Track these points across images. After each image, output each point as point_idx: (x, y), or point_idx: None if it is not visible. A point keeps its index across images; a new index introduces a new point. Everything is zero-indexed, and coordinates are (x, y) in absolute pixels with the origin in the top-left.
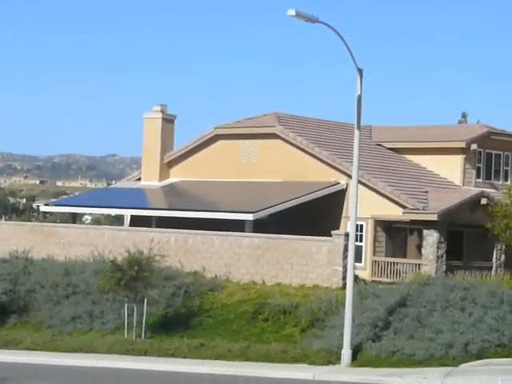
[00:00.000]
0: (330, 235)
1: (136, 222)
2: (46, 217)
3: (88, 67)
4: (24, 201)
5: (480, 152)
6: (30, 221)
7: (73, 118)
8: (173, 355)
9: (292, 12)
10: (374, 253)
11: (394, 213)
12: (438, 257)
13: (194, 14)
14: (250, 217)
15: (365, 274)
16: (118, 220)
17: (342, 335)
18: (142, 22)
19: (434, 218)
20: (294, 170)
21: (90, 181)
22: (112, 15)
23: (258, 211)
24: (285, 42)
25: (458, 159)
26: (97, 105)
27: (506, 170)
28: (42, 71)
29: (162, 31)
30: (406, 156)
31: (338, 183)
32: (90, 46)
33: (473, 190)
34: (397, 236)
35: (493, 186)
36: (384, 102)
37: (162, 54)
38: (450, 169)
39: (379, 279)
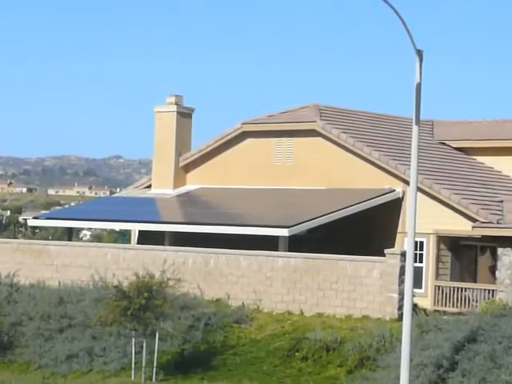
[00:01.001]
0: (383, 255)
1: (146, 238)
2: (36, 232)
3: (86, 54)
4: (8, 213)
5: None
6: (16, 237)
7: (68, 113)
8: None
9: None
10: (437, 276)
11: (461, 227)
12: None
13: None
14: (284, 232)
15: (426, 303)
16: (123, 236)
17: (397, 378)
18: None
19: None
20: (338, 175)
21: (89, 188)
22: None
23: (294, 225)
24: (323, 22)
25: None
26: (97, 98)
27: None
28: (30, 62)
29: (174, 10)
30: (476, 157)
31: (393, 191)
32: (86, 31)
33: None
34: (465, 256)
35: None
36: (449, 93)
37: (176, 38)
38: None
39: (443, 309)
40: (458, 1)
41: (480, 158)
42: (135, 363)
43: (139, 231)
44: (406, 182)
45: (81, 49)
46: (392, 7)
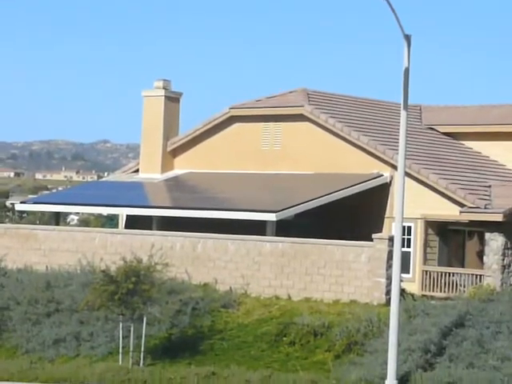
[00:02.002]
0: (371, 239)
1: (133, 223)
2: (23, 217)
3: (73, 38)
4: None
5: None
6: (3, 222)
7: (55, 96)
8: None
9: None
10: (425, 261)
11: (449, 212)
12: (503, 266)
13: None
14: (272, 217)
15: (413, 288)
16: (111, 221)
17: (385, 362)
18: None
19: (499, 218)
20: (325, 160)
21: (77, 173)
22: None
23: (281, 210)
24: (310, 7)
25: None
26: (85, 81)
27: None
28: (17, 45)
29: None
30: (463, 142)
31: (381, 176)
32: (73, 15)
33: None
34: (453, 240)
35: None
36: (437, 78)
37: (164, 22)
38: None
39: (431, 293)
40: None
41: (468, 143)
42: (123, 348)
43: (127, 216)
44: (394, 167)
45: (68, 33)
46: None
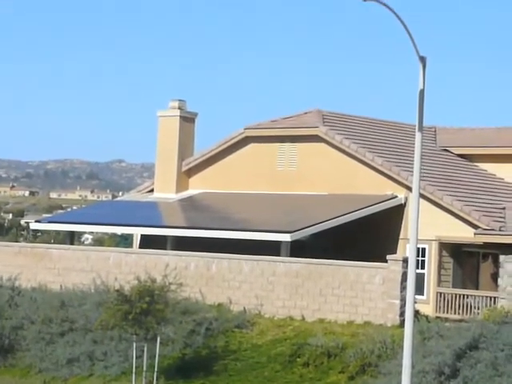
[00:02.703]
0: (385, 261)
1: (148, 242)
2: (38, 236)
3: (89, 57)
4: (10, 216)
5: None
6: (18, 241)
7: (70, 116)
8: None
9: None
10: (439, 283)
11: (463, 234)
12: None
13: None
14: (286, 237)
15: (427, 309)
16: (125, 240)
17: None
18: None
19: None
20: (340, 181)
21: (92, 192)
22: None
23: (296, 231)
24: (326, 29)
25: None
26: (100, 101)
27: None
28: (33, 65)
29: (177, 16)
30: (478, 164)
31: (395, 197)
32: (89, 34)
33: None
34: (467, 262)
35: None
36: (452, 99)
37: (179, 42)
38: None
39: (445, 315)
40: (461, 7)
41: (482, 165)
42: (136, 367)
43: (141, 235)
44: (409, 188)
45: (84, 52)
46: (396, 14)
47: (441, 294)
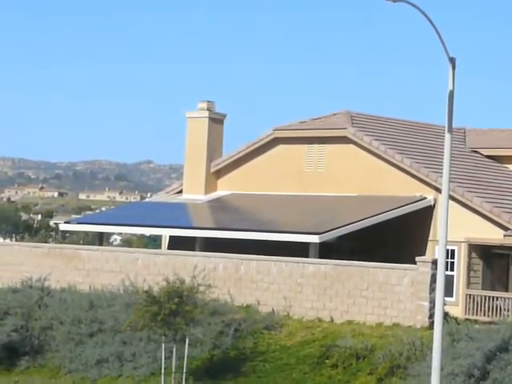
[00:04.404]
0: (414, 262)
1: (176, 244)
2: (66, 237)
3: (117, 59)
4: (39, 217)
5: None
6: (47, 242)
7: (99, 117)
8: None
9: None
10: (469, 285)
11: (493, 236)
12: None
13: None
14: (315, 239)
15: (457, 311)
16: (154, 242)
17: None
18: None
19: None
20: (369, 182)
21: (120, 193)
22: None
23: (325, 232)
24: (355, 31)
25: None
26: (129, 103)
27: None
28: (62, 66)
29: (208, 18)
30: (508, 166)
31: (424, 198)
32: (120, 36)
33: None
34: (497, 264)
35: None
36: (481, 101)
37: (209, 44)
38: None
39: (474, 317)
40: (491, 8)
41: None
42: (165, 368)
43: (170, 236)
44: (438, 190)
45: (113, 54)
46: (425, 15)
47: (470, 295)
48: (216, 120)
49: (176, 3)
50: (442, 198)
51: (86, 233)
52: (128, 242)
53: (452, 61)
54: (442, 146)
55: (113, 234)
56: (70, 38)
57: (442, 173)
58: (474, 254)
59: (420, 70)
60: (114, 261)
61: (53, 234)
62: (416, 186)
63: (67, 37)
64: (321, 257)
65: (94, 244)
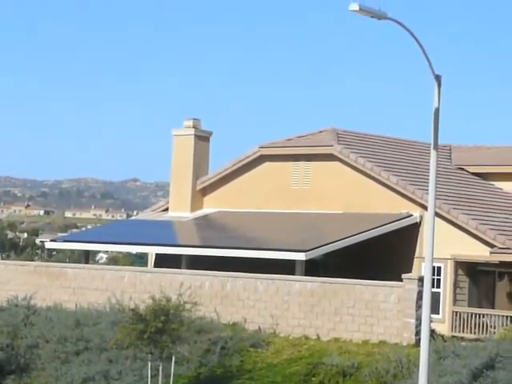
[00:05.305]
0: (401, 280)
1: (162, 261)
2: (53, 255)
3: (103, 77)
4: (25, 235)
5: None
6: (33, 260)
7: (85, 135)
8: None
9: (355, 6)
10: (455, 302)
11: (479, 253)
12: None
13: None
14: (301, 256)
15: (443, 328)
16: (140, 259)
17: None
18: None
19: None
20: (355, 199)
21: (106, 211)
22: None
23: (311, 249)
24: (341, 47)
25: None
26: (115, 121)
27: None
28: (48, 81)
29: (193, 35)
30: (494, 183)
31: (411, 215)
32: (105, 52)
33: None
34: (483, 281)
35: None
36: (467, 118)
37: (194, 62)
38: None
39: (461, 335)
40: (477, 25)
41: (498, 184)
42: None
43: (156, 254)
44: (424, 207)
45: (98, 71)
46: (411, 33)
47: (456, 313)
48: (202, 138)
49: (162, 21)
50: (428, 215)
51: (72, 251)
52: (114, 259)
53: (437, 78)
54: (428, 163)
55: (99, 252)
56: (57, 53)
57: (428, 190)
58: (460, 271)
59: (405, 87)
60: (100, 279)
61: (39, 252)
62: (402, 203)
63: (52, 55)
64: (307, 274)
65: (80, 262)
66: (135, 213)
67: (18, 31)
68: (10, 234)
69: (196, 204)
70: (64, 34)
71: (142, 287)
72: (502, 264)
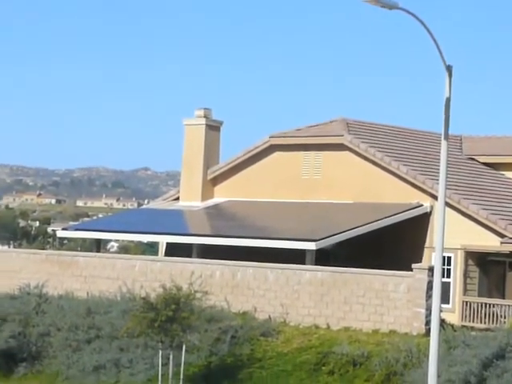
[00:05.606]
0: (411, 269)
1: (173, 250)
2: (64, 243)
3: (115, 66)
4: (37, 224)
5: None
6: (45, 248)
7: (96, 124)
8: None
9: None
10: (465, 292)
11: (489, 243)
12: None
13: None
14: (311, 246)
15: (453, 318)
16: (151, 248)
17: None
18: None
19: None
20: (365, 189)
21: (117, 200)
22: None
23: (321, 239)
24: (351, 37)
25: None
26: (126, 110)
27: None
28: (58, 74)
29: (204, 26)
30: (504, 173)
31: (421, 205)
32: (115, 43)
33: None
34: (493, 271)
35: None
36: (477, 108)
37: (207, 51)
38: None
39: (471, 324)
40: (488, 16)
41: (509, 174)
42: (162, 375)
43: (167, 243)
44: (434, 197)
45: (110, 61)
46: (422, 23)
47: (467, 302)
48: (213, 127)
49: (173, 10)
50: (439, 205)
51: (84, 239)
52: (125, 248)
53: (449, 69)
54: (439, 153)
55: (110, 240)
56: (67, 46)
57: (438, 180)
58: (470, 261)
59: (416, 76)
60: (111, 267)
61: (50, 240)
62: (412, 193)
63: (64, 43)
64: (317, 263)
65: (91, 251)
66: (146, 202)
67: (23, 21)
68: (22, 223)
69: (207, 193)
70: (76, 23)
71: (152, 276)
72: None
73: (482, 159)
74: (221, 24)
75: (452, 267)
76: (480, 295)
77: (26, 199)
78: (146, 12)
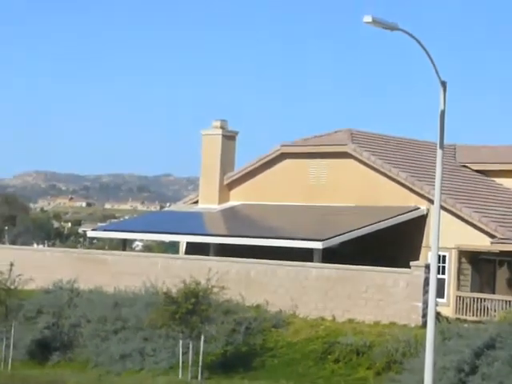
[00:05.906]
0: (409, 267)
1: (192, 249)
2: (93, 243)
3: (141, 79)
4: (69, 225)
5: None
6: (76, 247)
7: (123, 133)
8: None
9: (368, 18)
10: (459, 287)
11: (481, 243)
12: None
13: (261, 21)
14: (318, 245)
15: (448, 311)
16: (172, 247)
17: (422, 380)
18: (204, 30)
19: None
20: (367, 194)
21: (142, 203)
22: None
23: (327, 239)
24: (358, 55)
25: None
26: (150, 120)
27: None
28: (89, 83)
29: (222, 40)
30: (495, 179)
31: (418, 208)
32: (140, 56)
33: None
34: (484, 269)
35: None
36: (470, 118)
37: (223, 66)
38: None
39: (464, 317)
40: (481, 28)
41: (499, 180)
42: (182, 363)
43: (187, 243)
44: (430, 201)
45: (137, 73)
46: (420, 44)
47: (460, 297)
48: (229, 137)
49: (191, 23)
50: (434, 208)
51: (111, 239)
52: (149, 247)
53: (443, 84)
54: (435, 160)
55: (135, 240)
56: (96, 55)
57: (434, 185)
58: (463, 260)
59: (414, 90)
60: (136, 264)
61: (81, 240)
62: (410, 197)
63: (93, 53)
64: (324, 261)
65: (118, 249)
66: (168, 205)
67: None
68: (56, 224)
69: (223, 197)
70: (111, 45)
71: (173, 272)
72: (502, 253)
73: (475, 167)
74: (236, 39)
75: (447, 265)
76: (472, 290)
77: (59, 203)
78: (166, 25)
